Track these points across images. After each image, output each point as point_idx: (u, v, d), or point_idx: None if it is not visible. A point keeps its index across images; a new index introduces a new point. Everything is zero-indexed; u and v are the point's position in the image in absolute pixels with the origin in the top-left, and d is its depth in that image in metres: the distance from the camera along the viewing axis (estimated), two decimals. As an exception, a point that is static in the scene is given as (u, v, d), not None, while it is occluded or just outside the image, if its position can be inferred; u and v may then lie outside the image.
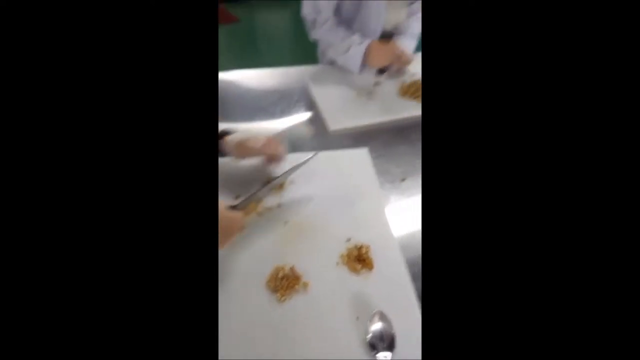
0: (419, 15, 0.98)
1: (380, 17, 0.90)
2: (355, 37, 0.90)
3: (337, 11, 0.94)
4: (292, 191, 0.62)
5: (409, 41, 0.94)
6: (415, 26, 0.96)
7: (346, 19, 0.95)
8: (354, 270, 0.50)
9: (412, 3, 0.97)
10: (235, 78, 0.97)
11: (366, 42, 0.88)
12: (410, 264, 0.51)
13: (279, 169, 0.62)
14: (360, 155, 0.70)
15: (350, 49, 0.89)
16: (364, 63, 0.90)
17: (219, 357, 0.35)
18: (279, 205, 0.59)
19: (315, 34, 0.95)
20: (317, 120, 0.81)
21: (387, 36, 0.84)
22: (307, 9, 0.92)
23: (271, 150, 0.60)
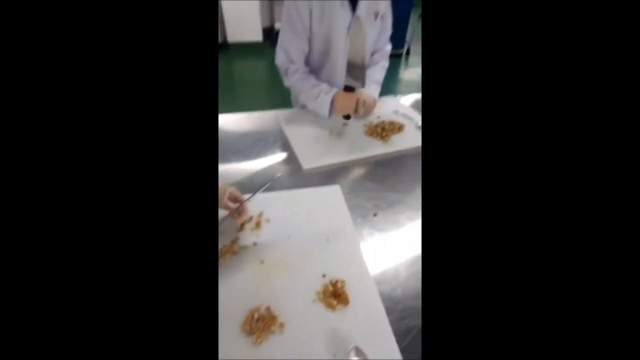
0: (383, 63, 1.09)
1: (343, 69, 1.01)
2: (324, 86, 0.98)
3: (307, 61, 1.03)
4: (268, 229, 0.63)
5: (373, 88, 1.03)
6: (377, 74, 1.06)
7: (315, 69, 1.04)
8: (330, 307, 0.50)
9: (372, 54, 1.09)
10: (211, 122, 1.00)
11: (332, 92, 0.96)
12: (384, 298, 0.52)
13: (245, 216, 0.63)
14: (333, 192, 0.73)
15: (320, 96, 0.97)
16: (331, 110, 0.98)
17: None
18: (255, 244, 0.60)
19: (288, 81, 1.03)
20: (291, 160, 0.85)
21: (351, 89, 0.94)
22: (280, 59, 1.01)
23: (229, 206, 0.61)
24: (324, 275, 0.55)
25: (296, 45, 0.96)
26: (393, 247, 0.62)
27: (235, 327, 0.47)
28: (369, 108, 0.98)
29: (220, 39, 3.85)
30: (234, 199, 0.62)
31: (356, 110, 0.94)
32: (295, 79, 1.00)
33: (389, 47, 1.13)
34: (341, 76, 1.03)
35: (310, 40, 0.97)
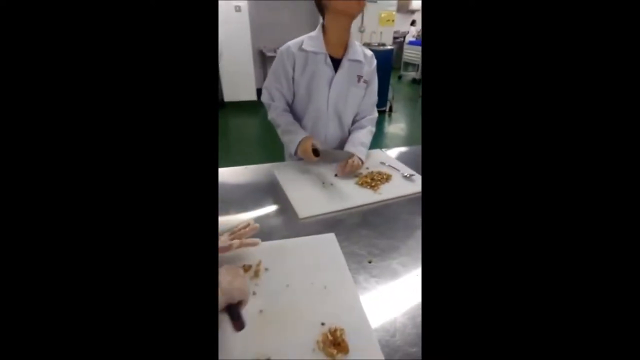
0: (370, 128, 1.21)
1: (326, 121, 1.15)
2: (299, 129, 1.11)
3: (292, 107, 1.17)
4: (267, 278, 0.64)
5: (360, 150, 1.12)
6: (365, 138, 1.17)
7: (299, 117, 1.17)
8: (330, 356, 0.50)
9: (358, 116, 1.21)
10: (210, 176, 1.06)
11: (303, 135, 1.08)
12: (383, 345, 0.53)
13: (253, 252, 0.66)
14: (329, 240, 0.76)
15: (292, 134, 1.10)
16: (296, 150, 1.09)
17: None
18: (254, 293, 0.61)
19: (270, 115, 1.17)
20: (287, 210, 0.89)
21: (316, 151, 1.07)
22: (264, 96, 1.16)
23: (241, 246, 0.65)
24: (323, 324, 0.55)
25: (277, 88, 1.11)
26: (389, 294, 0.63)
27: (235, 381, 0.46)
28: (356, 168, 1.06)
29: (217, 99, 4.12)
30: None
31: (345, 171, 1.04)
32: (275, 114, 1.14)
33: (375, 114, 1.24)
34: (323, 127, 1.15)
35: (293, 87, 1.11)
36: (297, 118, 1.16)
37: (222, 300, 0.48)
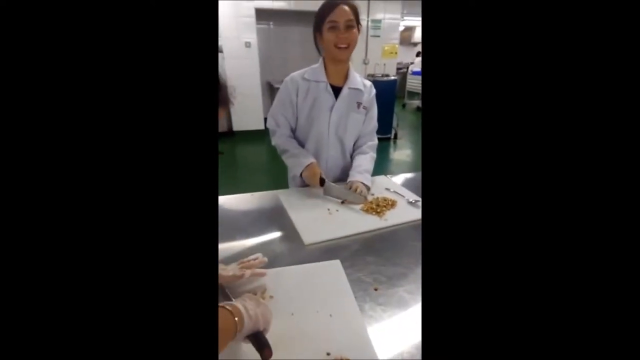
0: (372, 154, 1.24)
1: (327, 146, 1.19)
2: (305, 152, 1.16)
3: (295, 133, 1.22)
4: (272, 306, 0.63)
5: (365, 177, 1.15)
6: (368, 164, 1.20)
7: (302, 141, 1.21)
8: (336, 389, 0.48)
9: (359, 141, 1.25)
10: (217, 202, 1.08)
11: (310, 160, 1.12)
12: (391, 377, 0.50)
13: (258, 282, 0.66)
14: (334, 267, 0.75)
15: (298, 158, 1.14)
16: (301, 173, 1.13)
17: None
18: (257, 322, 0.60)
19: (274, 141, 1.21)
20: (292, 236, 0.89)
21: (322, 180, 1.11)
22: (269, 122, 1.22)
23: (249, 275, 0.66)
24: (328, 354, 0.54)
25: (282, 114, 1.17)
26: (397, 323, 0.62)
27: (236, 414, 0.44)
28: (363, 194, 1.08)
29: (226, 128, 4.26)
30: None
31: (349, 200, 1.07)
32: (281, 140, 1.19)
33: (376, 141, 1.29)
34: (325, 151, 1.20)
35: (296, 113, 1.17)
36: (300, 143, 1.21)
37: (248, 328, 0.48)
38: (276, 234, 0.90)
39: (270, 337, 0.56)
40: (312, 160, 1.12)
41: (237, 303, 0.50)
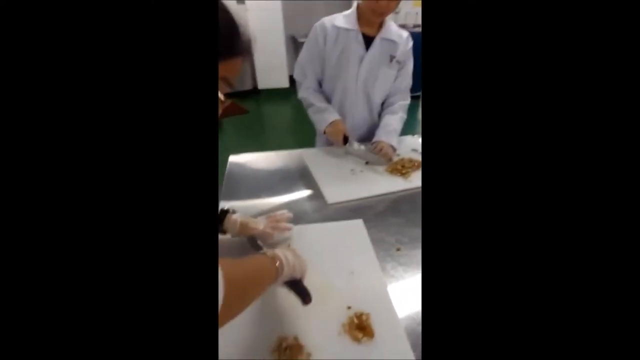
0: (402, 115, 1.15)
1: (354, 100, 1.12)
2: (331, 108, 1.10)
3: (321, 85, 1.16)
4: (294, 261, 0.66)
5: (392, 137, 1.09)
6: (396, 124, 1.12)
7: (328, 94, 1.15)
8: (356, 339, 0.51)
9: (389, 99, 1.17)
10: (243, 160, 1.09)
11: (334, 116, 1.07)
12: (409, 332, 0.52)
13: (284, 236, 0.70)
14: (356, 226, 0.76)
15: (323, 113, 1.09)
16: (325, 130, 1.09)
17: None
18: (282, 275, 0.63)
19: (301, 94, 1.16)
20: (316, 195, 0.90)
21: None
22: (296, 72, 1.16)
23: (274, 229, 0.68)
24: (349, 308, 0.56)
25: (309, 64, 1.10)
26: (417, 283, 0.62)
27: (264, 352, 0.49)
28: (387, 156, 1.03)
29: (251, 86, 4.20)
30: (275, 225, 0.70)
31: (376, 157, 1.03)
32: (307, 93, 1.13)
33: (408, 100, 1.18)
34: (351, 107, 1.12)
35: (323, 63, 1.09)
36: (327, 97, 1.15)
37: (286, 274, 0.50)
38: (300, 193, 0.91)
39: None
40: (336, 116, 1.08)
41: (277, 251, 0.52)
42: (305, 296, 0.52)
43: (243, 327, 0.53)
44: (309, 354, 0.49)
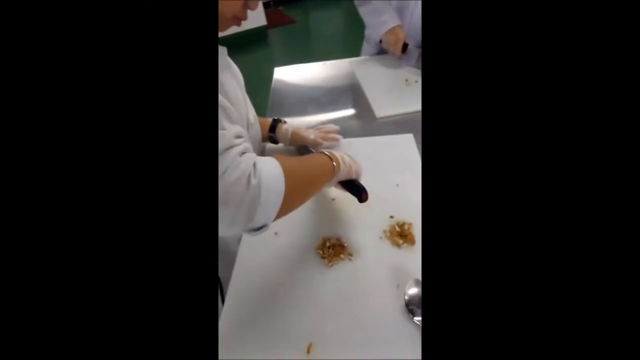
0: None
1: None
2: (391, 12, 0.93)
3: None
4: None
5: None
6: None
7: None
8: (396, 245, 0.53)
9: None
10: (289, 73, 1.05)
11: (394, 23, 0.92)
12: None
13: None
14: (405, 141, 0.72)
15: (381, 17, 0.93)
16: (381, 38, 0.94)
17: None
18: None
19: None
20: (365, 109, 0.85)
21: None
22: None
23: (324, 139, 0.69)
24: (391, 217, 0.57)
25: None
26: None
27: (310, 249, 0.54)
28: None
29: (297, -9, 3.77)
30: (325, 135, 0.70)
31: None
32: None
33: None
34: (411, 7, 0.94)
35: None
36: None
37: (343, 173, 0.52)
38: (348, 106, 0.87)
39: (337, 196, 0.61)
40: (396, 21, 0.92)
41: (334, 151, 0.53)
42: (361, 192, 0.53)
43: (292, 228, 0.58)
44: (350, 254, 0.53)
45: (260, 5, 2.95)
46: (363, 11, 0.99)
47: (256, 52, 2.94)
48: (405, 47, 0.92)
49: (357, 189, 0.53)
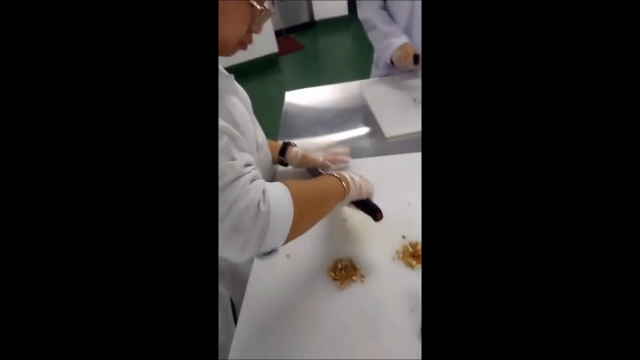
0: None
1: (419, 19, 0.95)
2: (396, 29, 0.96)
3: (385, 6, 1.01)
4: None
5: None
6: None
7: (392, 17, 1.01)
8: (410, 265, 0.52)
9: None
10: (299, 96, 1.09)
11: (402, 39, 0.94)
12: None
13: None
14: (415, 159, 0.72)
15: (389, 39, 0.96)
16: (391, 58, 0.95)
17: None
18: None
19: (362, 14, 1.03)
20: (374, 129, 0.86)
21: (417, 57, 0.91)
22: None
23: (333, 162, 0.69)
24: (404, 237, 0.57)
25: None
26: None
27: (322, 271, 0.54)
28: None
29: (307, 18, 3.95)
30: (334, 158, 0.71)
31: None
32: (370, 13, 1.01)
33: None
34: (419, 27, 0.96)
35: None
36: (391, 15, 1.01)
37: (353, 193, 0.53)
38: (358, 128, 0.89)
39: (348, 217, 0.61)
40: (404, 39, 0.94)
41: (343, 172, 0.54)
42: (375, 212, 0.53)
43: (304, 250, 0.58)
44: (362, 276, 0.52)
45: (272, 33, 3.09)
46: (372, 36, 1.02)
47: (268, 77, 3.06)
48: (416, 58, 0.94)
49: (371, 209, 0.54)
